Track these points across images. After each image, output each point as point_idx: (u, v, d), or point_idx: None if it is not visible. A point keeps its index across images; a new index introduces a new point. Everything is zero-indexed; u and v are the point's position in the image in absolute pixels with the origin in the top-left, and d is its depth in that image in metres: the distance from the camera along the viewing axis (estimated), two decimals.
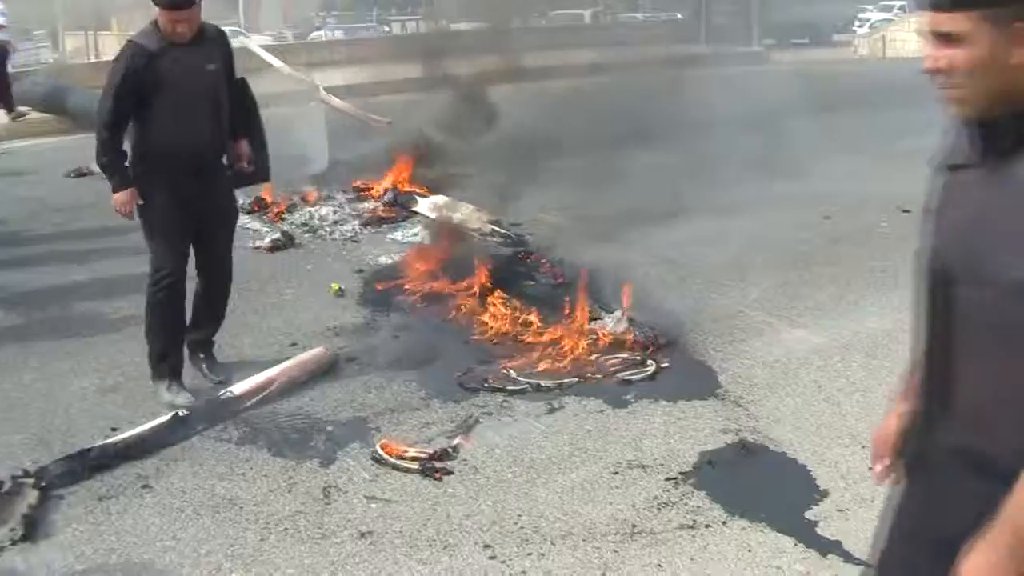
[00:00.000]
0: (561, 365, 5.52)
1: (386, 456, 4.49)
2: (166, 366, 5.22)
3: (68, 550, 3.87)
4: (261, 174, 5.73)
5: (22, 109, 15.26)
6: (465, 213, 8.49)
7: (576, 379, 5.36)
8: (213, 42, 5.16)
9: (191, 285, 5.38)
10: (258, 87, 5.67)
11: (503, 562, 3.74)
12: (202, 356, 5.53)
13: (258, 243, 8.26)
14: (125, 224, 5.39)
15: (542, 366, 5.52)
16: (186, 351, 5.41)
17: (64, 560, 3.80)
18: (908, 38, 28.38)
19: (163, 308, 5.19)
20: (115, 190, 5.06)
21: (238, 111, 5.37)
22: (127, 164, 5.08)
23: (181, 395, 5.15)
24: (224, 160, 5.38)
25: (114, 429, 4.82)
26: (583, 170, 9.67)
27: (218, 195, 5.33)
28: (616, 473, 4.41)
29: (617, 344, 5.73)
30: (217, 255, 5.43)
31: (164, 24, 4.91)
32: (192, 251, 5.33)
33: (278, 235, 8.36)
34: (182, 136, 5.01)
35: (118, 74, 4.93)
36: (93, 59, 23.29)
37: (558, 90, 13.59)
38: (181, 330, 5.32)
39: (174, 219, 5.12)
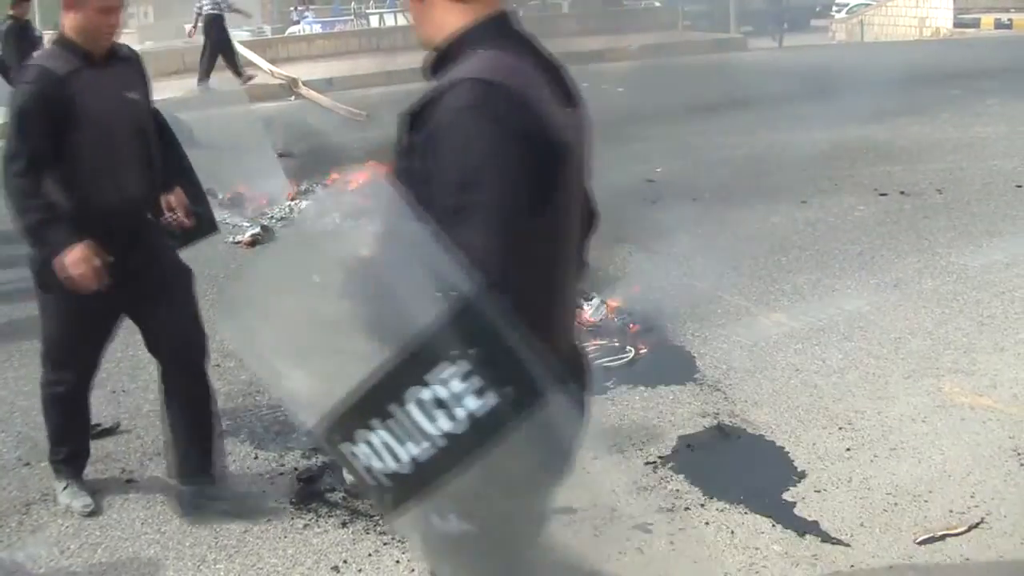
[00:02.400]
0: None
1: None
2: (62, 460, 4.15)
3: (54, 545, 3.90)
4: (207, 226, 4.33)
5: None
6: None
7: None
8: (128, 64, 3.88)
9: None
10: None
11: None
12: (184, 488, 4.12)
13: (237, 238, 8.28)
14: None
15: None
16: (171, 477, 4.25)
17: (50, 555, 3.84)
18: (885, 22, 28.56)
19: (55, 410, 4.08)
20: (58, 251, 3.63)
21: (163, 151, 4.05)
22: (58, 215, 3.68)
23: (78, 498, 4.12)
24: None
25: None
26: None
27: (161, 260, 3.99)
28: (595, 458, 4.44)
29: (595, 331, 5.78)
30: (179, 329, 4.01)
31: (89, 20, 3.64)
32: (141, 332, 4.08)
33: (257, 229, 8.37)
34: (106, 188, 3.72)
35: (26, 104, 3.63)
36: None
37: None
38: (84, 430, 4.22)
39: (88, 309, 3.77)
